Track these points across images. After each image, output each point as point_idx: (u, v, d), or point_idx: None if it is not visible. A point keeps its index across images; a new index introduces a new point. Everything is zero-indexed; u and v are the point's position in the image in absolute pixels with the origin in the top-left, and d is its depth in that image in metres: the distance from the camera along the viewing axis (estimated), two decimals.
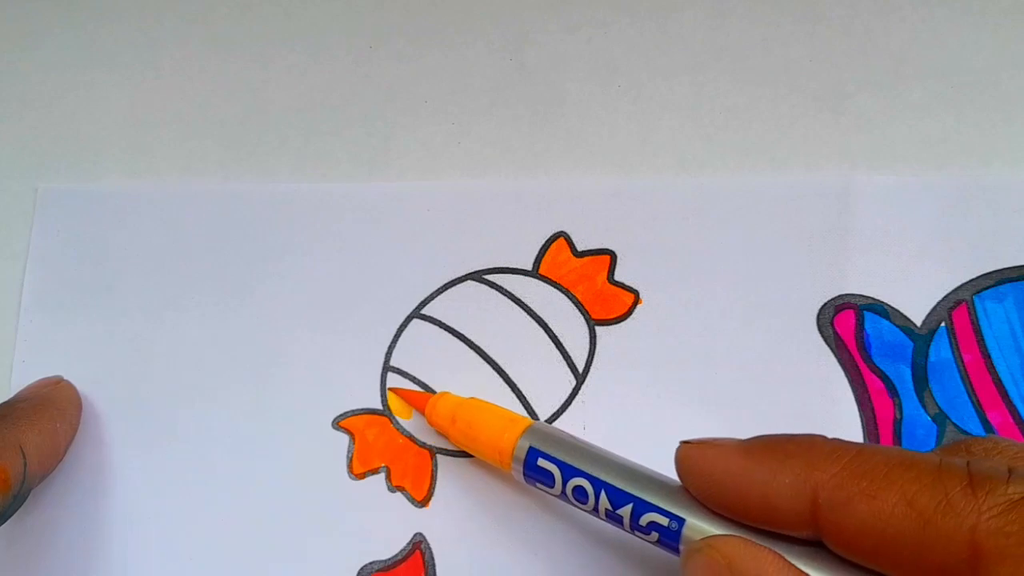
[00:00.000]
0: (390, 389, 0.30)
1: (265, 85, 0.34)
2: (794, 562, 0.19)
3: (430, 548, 0.29)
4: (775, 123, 0.32)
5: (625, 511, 0.23)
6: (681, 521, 0.22)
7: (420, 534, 0.29)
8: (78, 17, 0.36)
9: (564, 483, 0.25)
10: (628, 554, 0.28)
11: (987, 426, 0.28)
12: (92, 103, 0.35)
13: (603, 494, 0.24)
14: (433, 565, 0.29)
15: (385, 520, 0.29)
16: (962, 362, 0.29)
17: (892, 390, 0.29)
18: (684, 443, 0.22)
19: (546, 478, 0.25)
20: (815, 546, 0.20)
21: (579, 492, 0.24)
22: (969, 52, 0.32)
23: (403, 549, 0.29)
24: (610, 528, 0.28)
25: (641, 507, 0.23)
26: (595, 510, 0.24)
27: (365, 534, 0.29)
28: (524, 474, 0.26)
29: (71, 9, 0.36)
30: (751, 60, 0.33)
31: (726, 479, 0.20)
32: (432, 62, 0.34)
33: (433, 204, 0.32)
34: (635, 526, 0.23)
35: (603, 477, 0.24)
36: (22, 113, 0.35)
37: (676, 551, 0.22)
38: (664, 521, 0.22)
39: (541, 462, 0.25)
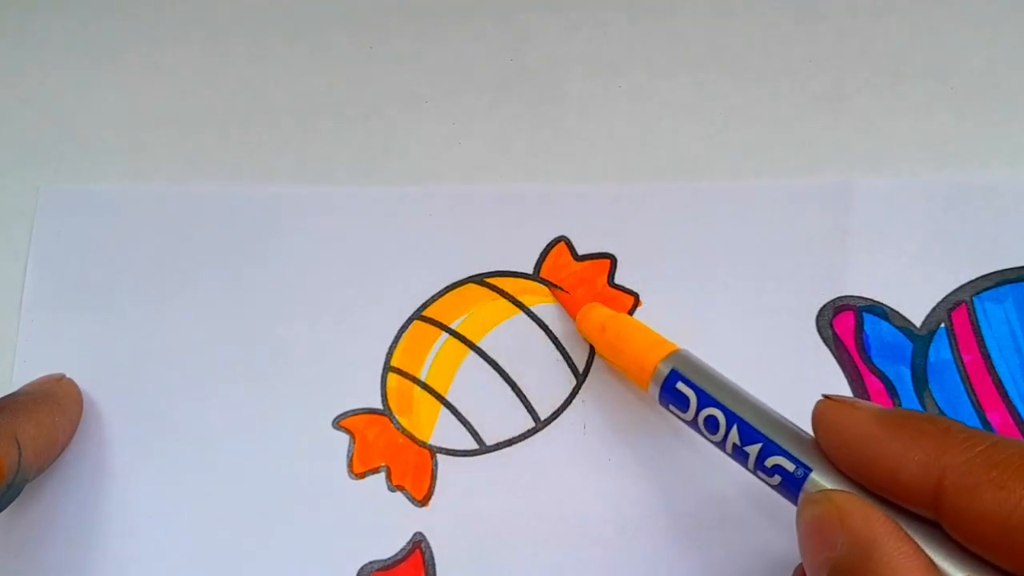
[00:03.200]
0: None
1: (266, 86, 0.34)
2: (910, 534, 0.19)
3: (430, 547, 0.29)
4: (775, 124, 0.32)
5: (753, 449, 0.23)
6: (808, 470, 0.22)
7: (420, 533, 0.29)
8: (79, 18, 0.36)
9: (698, 410, 0.25)
10: (629, 554, 0.28)
11: (987, 427, 0.28)
12: (93, 104, 0.35)
13: (735, 428, 0.24)
14: (433, 564, 0.29)
15: (385, 519, 0.29)
16: (962, 363, 0.29)
17: (892, 391, 0.29)
18: (825, 398, 0.22)
19: (681, 402, 0.25)
20: (933, 526, 0.20)
21: (711, 422, 0.24)
22: (968, 53, 0.32)
23: (403, 548, 0.29)
24: (611, 530, 0.28)
25: (770, 448, 0.23)
26: (722, 443, 0.24)
27: (365, 533, 0.29)
28: (661, 395, 0.26)
29: (72, 9, 0.36)
30: (751, 61, 0.33)
31: (858, 443, 0.20)
32: (432, 62, 0.34)
33: (435, 208, 0.32)
34: (759, 466, 0.23)
35: (738, 412, 0.24)
36: (23, 113, 0.35)
37: (794, 499, 0.22)
38: (790, 467, 0.22)
39: (680, 386, 0.25)
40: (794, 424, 0.23)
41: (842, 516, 0.19)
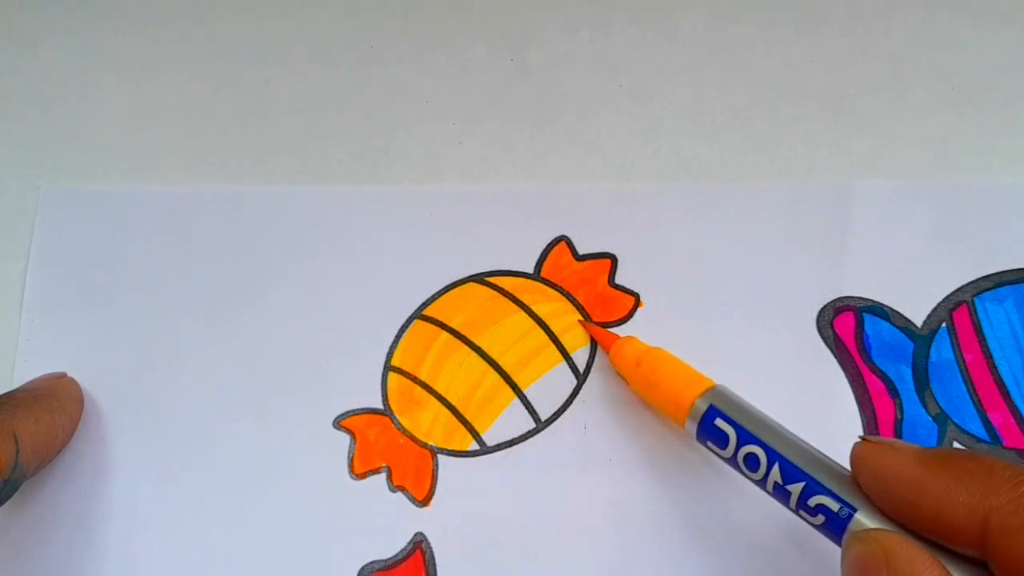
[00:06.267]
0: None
1: (267, 86, 0.34)
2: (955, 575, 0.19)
3: (431, 548, 0.29)
4: (776, 124, 0.32)
5: (795, 488, 0.23)
6: (852, 510, 0.22)
7: (421, 534, 0.29)
8: (80, 18, 0.36)
9: (737, 448, 0.24)
10: (628, 553, 0.28)
11: (988, 426, 0.28)
12: (94, 104, 0.35)
13: (776, 466, 0.24)
14: (434, 565, 0.29)
15: (386, 520, 0.29)
16: (963, 362, 0.29)
17: (892, 390, 0.29)
18: (862, 440, 0.22)
19: (720, 439, 0.25)
20: (980, 566, 0.20)
21: (751, 460, 0.24)
22: (969, 54, 0.32)
23: (404, 549, 0.29)
24: (610, 529, 0.28)
25: (813, 488, 0.23)
26: (763, 481, 0.24)
27: (366, 534, 0.29)
28: (698, 431, 0.26)
29: (73, 9, 0.36)
30: (752, 62, 0.33)
31: (900, 485, 0.20)
32: (433, 63, 0.34)
33: (435, 207, 0.32)
34: (802, 505, 0.23)
35: (780, 449, 0.24)
36: (24, 113, 0.35)
37: (837, 538, 0.22)
38: (835, 507, 0.22)
39: (718, 422, 0.25)
40: (834, 461, 0.23)
41: (888, 557, 0.19)
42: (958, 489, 0.19)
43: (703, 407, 0.26)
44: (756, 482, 0.24)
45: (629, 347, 0.29)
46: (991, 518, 0.19)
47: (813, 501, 0.23)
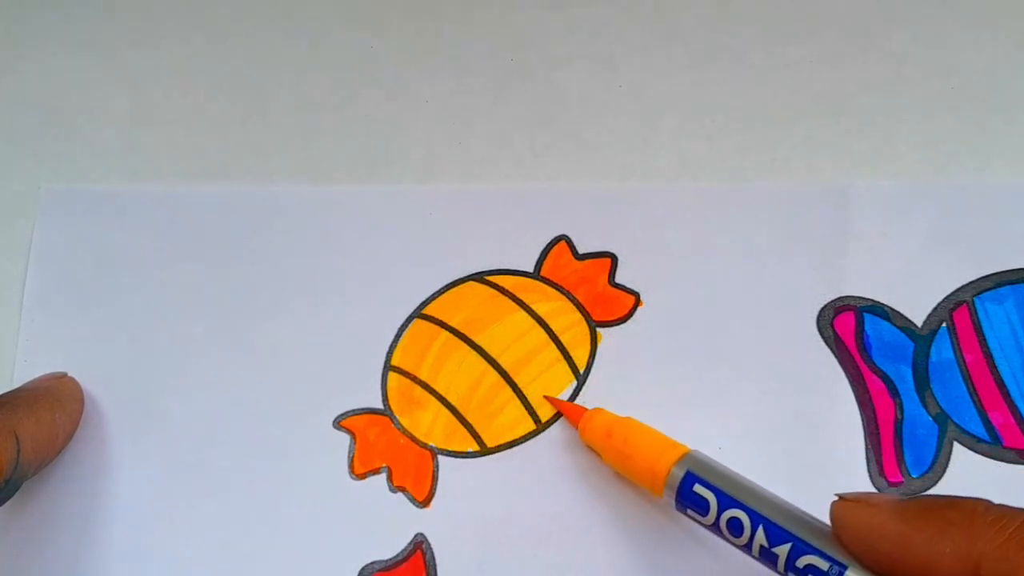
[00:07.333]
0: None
1: (266, 85, 0.34)
2: None
3: (431, 548, 0.29)
4: (775, 124, 0.32)
5: (782, 550, 0.22)
6: (843, 568, 0.21)
7: (421, 534, 0.29)
8: (80, 18, 0.36)
9: (719, 513, 0.24)
10: (628, 553, 0.28)
11: (988, 426, 0.29)
12: (95, 103, 0.35)
13: (760, 529, 0.23)
14: (434, 565, 0.29)
15: (386, 520, 0.29)
16: (964, 362, 0.29)
17: (893, 390, 0.29)
18: (840, 499, 0.22)
19: (700, 506, 0.24)
20: None
21: (734, 524, 0.24)
22: (969, 54, 0.32)
23: (404, 549, 0.29)
24: (611, 531, 0.28)
25: (801, 548, 0.22)
26: (748, 545, 0.23)
27: (366, 534, 0.29)
28: (677, 500, 0.25)
29: (73, 9, 0.36)
30: (752, 61, 0.33)
31: (884, 543, 0.20)
32: (433, 62, 0.34)
33: (435, 207, 0.32)
34: (790, 567, 0.22)
35: (763, 511, 0.23)
36: (25, 113, 0.35)
37: None
38: (824, 566, 0.22)
39: (697, 488, 0.24)
40: (817, 519, 0.23)
41: None
42: (943, 541, 0.19)
43: (680, 474, 0.25)
44: (741, 547, 0.24)
45: (599, 419, 0.28)
46: (981, 566, 0.18)
47: (802, 562, 0.22)
